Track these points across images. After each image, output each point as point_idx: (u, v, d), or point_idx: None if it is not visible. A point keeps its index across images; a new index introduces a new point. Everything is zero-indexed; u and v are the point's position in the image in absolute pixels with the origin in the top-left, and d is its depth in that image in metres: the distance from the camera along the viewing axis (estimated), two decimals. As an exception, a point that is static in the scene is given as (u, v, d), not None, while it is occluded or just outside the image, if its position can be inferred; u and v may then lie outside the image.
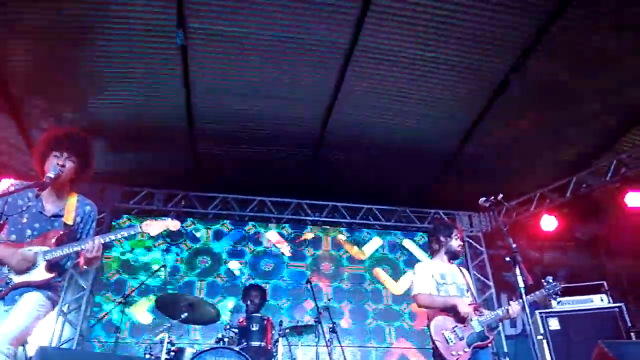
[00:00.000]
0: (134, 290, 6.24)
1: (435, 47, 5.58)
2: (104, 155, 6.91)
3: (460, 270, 4.17)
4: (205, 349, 4.84)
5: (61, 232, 2.93)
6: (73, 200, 3.05)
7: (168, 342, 4.81)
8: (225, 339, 5.19)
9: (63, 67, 5.66)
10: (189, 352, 5.03)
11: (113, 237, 2.98)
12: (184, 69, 5.80)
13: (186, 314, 4.96)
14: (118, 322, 5.80)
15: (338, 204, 8.45)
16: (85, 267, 3.03)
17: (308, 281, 5.95)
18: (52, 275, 2.84)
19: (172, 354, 4.90)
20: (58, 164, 2.89)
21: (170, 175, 7.73)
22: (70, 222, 2.98)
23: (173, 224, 3.11)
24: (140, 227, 3.03)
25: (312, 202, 8.41)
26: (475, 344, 3.58)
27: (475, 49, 5.58)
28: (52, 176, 2.81)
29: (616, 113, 6.53)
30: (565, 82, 5.98)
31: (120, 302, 5.91)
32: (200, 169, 7.73)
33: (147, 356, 5.16)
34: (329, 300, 5.94)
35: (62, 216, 2.97)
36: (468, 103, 6.41)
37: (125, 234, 3.01)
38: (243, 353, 4.69)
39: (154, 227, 3.06)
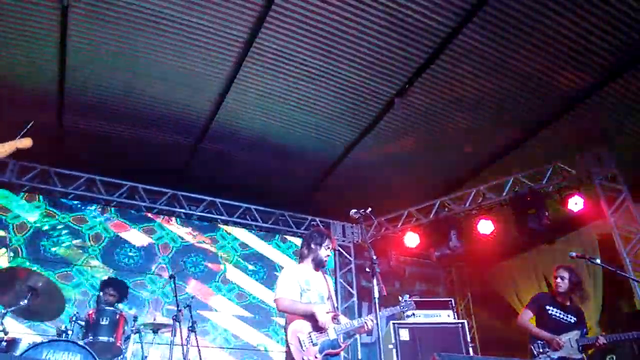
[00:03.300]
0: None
1: (330, 60, 5.74)
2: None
3: (325, 278, 4.26)
4: (43, 340, 4.37)
5: None
6: None
7: (0, 331, 4.28)
8: (69, 332, 4.73)
9: None
10: (24, 343, 4.50)
11: None
12: (62, 32, 5.27)
13: (26, 301, 4.44)
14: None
15: (216, 199, 8.21)
16: None
17: (172, 277, 5.67)
18: None
19: (4, 344, 4.36)
20: None
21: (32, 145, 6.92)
22: None
23: (23, 143, 2.77)
24: None
25: (189, 194, 8.07)
26: (327, 351, 3.66)
27: (367, 68, 5.86)
28: None
29: (481, 148, 7.25)
30: (442, 113, 6.51)
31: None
32: (66, 142, 7.06)
33: (-27, 347, 4.54)
34: (192, 298, 5.71)
35: None
36: (354, 118, 6.69)
37: None
38: (87, 348, 4.31)
39: (1, 149, 2.70)
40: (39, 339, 4.55)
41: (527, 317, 5.06)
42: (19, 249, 6.75)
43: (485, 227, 7.43)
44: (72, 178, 7.34)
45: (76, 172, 7.33)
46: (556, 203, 7.09)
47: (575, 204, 6.77)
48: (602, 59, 5.55)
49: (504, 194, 7.35)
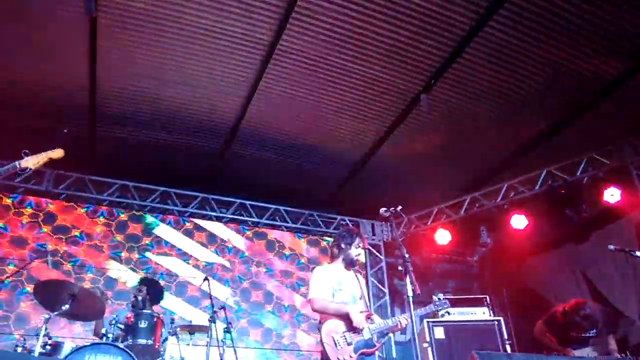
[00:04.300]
0: (9, 276, 5.67)
1: (353, 58, 5.73)
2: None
3: (357, 278, 4.25)
4: (86, 344, 4.51)
5: None
6: None
7: (45, 335, 4.43)
8: (109, 335, 4.87)
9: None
10: (67, 346, 4.65)
11: None
12: (92, 42, 5.42)
13: (67, 306, 4.59)
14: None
15: (246, 201, 8.31)
16: None
17: (206, 278, 5.77)
18: None
19: (49, 347, 4.51)
20: None
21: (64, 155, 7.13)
22: None
23: (55, 153, 2.92)
24: (19, 164, 2.86)
25: (219, 197, 8.19)
26: (362, 350, 3.66)
27: (391, 65, 5.81)
28: None
29: (511, 141, 7.11)
30: (469, 109, 6.41)
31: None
32: (99, 150, 7.24)
33: (19, 349, 4.71)
34: (227, 299, 5.80)
35: None
36: (380, 115, 6.65)
37: (3, 174, 2.81)
38: (127, 350, 4.42)
39: (34, 160, 2.86)
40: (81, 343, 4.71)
41: (544, 330, 4.92)
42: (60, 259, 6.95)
43: (519, 221, 7.27)
44: (106, 185, 7.56)
45: (110, 179, 7.54)
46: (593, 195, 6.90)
47: (612, 195, 6.58)
48: (634, 45, 5.37)
49: (537, 187, 7.19)
